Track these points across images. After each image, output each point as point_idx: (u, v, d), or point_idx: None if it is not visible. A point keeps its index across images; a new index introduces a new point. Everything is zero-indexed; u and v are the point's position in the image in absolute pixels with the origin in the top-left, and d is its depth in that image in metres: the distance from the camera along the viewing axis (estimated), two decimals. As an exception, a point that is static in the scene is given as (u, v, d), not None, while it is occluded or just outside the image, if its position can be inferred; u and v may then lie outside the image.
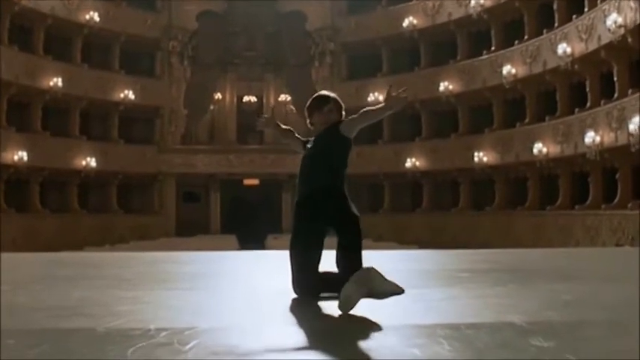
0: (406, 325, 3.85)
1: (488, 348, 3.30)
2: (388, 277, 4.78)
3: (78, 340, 3.58)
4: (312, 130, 5.90)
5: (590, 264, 9.76)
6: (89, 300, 5.23)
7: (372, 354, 3.29)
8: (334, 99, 5.87)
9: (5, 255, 11.05)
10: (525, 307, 4.79)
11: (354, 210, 5.36)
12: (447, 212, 33.52)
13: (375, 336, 3.54)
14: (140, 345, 3.32)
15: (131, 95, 35.13)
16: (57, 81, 31.59)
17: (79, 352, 3.29)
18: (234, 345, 3.41)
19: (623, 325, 4.08)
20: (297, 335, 3.64)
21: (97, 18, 33.57)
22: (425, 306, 4.87)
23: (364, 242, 5.14)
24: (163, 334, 3.62)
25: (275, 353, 3.26)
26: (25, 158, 29.94)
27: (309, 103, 5.87)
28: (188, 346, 3.31)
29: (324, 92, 6.04)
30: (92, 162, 33.24)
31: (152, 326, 3.83)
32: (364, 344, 3.45)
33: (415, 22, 34.83)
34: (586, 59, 26.37)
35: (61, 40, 33.00)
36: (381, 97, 36.65)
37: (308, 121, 5.89)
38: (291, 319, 4.14)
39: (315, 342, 3.52)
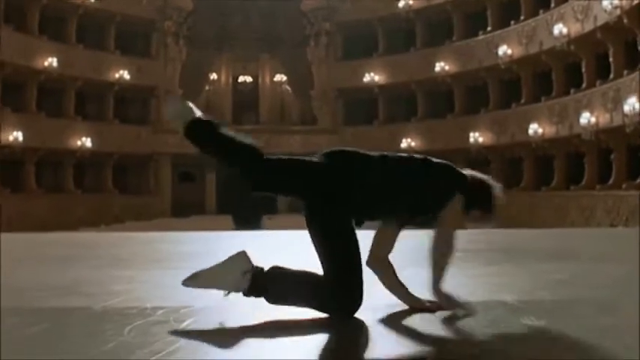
0: (399, 303, 3.89)
1: (480, 326, 3.35)
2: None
3: (76, 318, 3.63)
4: None
5: (583, 244, 9.83)
6: (86, 279, 5.28)
7: (362, 331, 3.34)
8: None
9: (1, 235, 11.09)
10: (518, 286, 4.85)
11: None
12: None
13: (367, 314, 3.58)
14: (137, 323, 3.37)
15: (126, 75, 35.12)
16: (52, 61, 31.59)
17: (78, 330, 3.34)
18: (230, 324, 3.46)
19: (613, 304, 4.14)
20: (292, 314, 3.68)
21: (92, -2, 33.52)
22: (419, 285, 4.92)
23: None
24: (160, 312, 3.67)
25: (269, 332, 3.30)
26: (21, 139, 29.98)
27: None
28: (184, 324, 3.36)
29: None
30: (87, 142, 33.27)
31: (148, 305, 3.88)
32: (356, 321, 3.49)
33: (411, 2, 34.86)
34: (582, 40, 26.44)
35: (56, 20, 32.99)
36: (377, 78, 36.94)
37: None
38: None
39: (309, 321, 3.56)
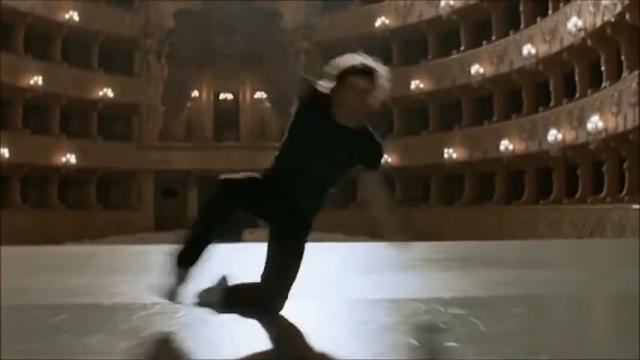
0: (355, 299, 4.76)
1: (415, 314, 4.22)
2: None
3: (90, 310, 4.48)
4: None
5: (536, 254, 10.70)
6: (88, 284, 6.04)
7: (319, 317, 4.19)
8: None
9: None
10: (459, 287, 5.70)
11: None
12: (417, 207, 34.40)
13: (325, 306, 4.42)
14: (141, 314, 4.21)
15: (110, 93, 35.81)
16: (37, 80, 32.25)
17: (94, 318, 4.19)
18: (212, 315, 4.34)
19: (531, 298, 5.03)
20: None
21: (76, 17, 34.24)
22: (375, 286, 5.81)
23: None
24: (158, 306, 4.50)
25: (241, 321, 4.15)
26: (7, 155, 30.57)
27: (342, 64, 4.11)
28: (179, 315, 4.20)
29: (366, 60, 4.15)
30: (72, 159, 33.90)
31: (148, 301, 4.72)
32: (316, 313, 4.33)
33: (387, 21, 35.76)
34: (549, 60, 27.46)
35: (41, 39, 33.62)
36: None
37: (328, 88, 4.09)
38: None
39: (279, 321, 4.39)
